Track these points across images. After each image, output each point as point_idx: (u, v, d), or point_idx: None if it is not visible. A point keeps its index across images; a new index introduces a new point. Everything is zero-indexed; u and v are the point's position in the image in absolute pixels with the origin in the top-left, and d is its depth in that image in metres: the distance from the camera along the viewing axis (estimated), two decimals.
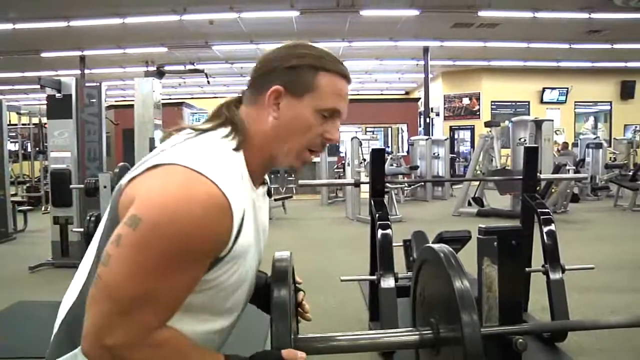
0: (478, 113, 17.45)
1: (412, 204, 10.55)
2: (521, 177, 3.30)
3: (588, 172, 10.69)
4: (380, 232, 2.86)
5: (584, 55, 14.80)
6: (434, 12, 10.75)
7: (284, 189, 10.99)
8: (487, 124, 9.93)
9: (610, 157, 12.41)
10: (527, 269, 3.03)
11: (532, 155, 3.32)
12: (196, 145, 0.97)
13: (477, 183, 9.20)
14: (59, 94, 5.24)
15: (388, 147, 16.79)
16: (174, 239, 0.84)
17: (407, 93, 22.82)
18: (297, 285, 1.26)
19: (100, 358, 0.86)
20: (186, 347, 0.93)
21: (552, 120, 9.14)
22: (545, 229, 2.97)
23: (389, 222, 2.90)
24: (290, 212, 8.70)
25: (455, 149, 17.17)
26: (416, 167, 11.38)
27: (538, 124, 8.60)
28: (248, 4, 10.13)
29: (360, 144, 9.16)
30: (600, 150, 11.14)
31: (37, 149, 10.81)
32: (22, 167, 11.34)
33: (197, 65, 13.79)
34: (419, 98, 17.44)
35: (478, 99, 17.59)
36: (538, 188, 3.99)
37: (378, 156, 3.23)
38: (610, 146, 13.43)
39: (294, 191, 10.70)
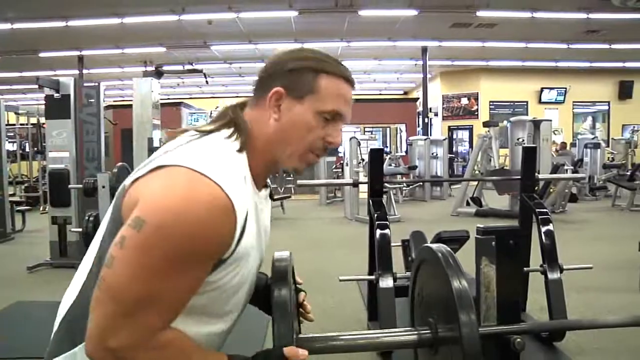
0: (476, 113, 17.46)
1: (410, 204, 10.56)
2: (519, 177, 3.31)
3: (586, 172, 10.70)
4: (378, 232, 2.86)
5: (582, 55, 14.82)
6: (433, 12, 10.76)
7: (282, 189, 10.99)
8: (485, 124, 9.93)
9: (608, 157, 12.44)
10: (525, 268, 3.03)
11: (530, 155, 3.32)
12: (200, 147, 0.97)
13: (476, 183, 9.21)
14: (57, 94, 5.24)
15: (386, 147, 16.79)
16: (177, 240, 0.84)
17: (405, 93, 22.83)
18: (297, 285, 1.26)
19: None
20: (190, 348, 0.93)
21: (551, 120, 9.16)
22: (543, 229, 2.98)
23: (387, 222, 2.91)
24: (288, 212, 8.70)
25: (454, 149, 17.18)
26: (415, 167, 11.38)
27: (536, 124, 8.61)
28: (246, 4, 10.13)
29: (359, 144, 9.17)
30: (599, 150, 11.16)
31: (36, 149, 10.81)
32: (21, 167, 11.33)
33: (195, 65, 13.78)
34: (418, 98, 17.45)
35: (476, 99, 17.60)
36: (536, 188, 3.99)
37: (376, 156, 3.23)
38: (608, 146, 13.46)
39: (293, 191, 10.70)
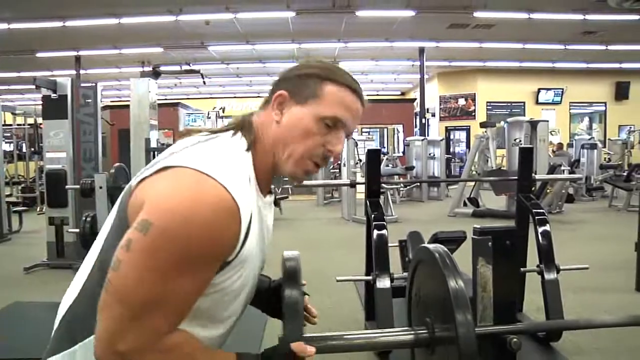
0: (473, 114, 17.48)
1: (407, 205, 10.57)
2: (516, 177, 3.32)
3: (583, 172, 10.73)
4: (375, 232, 2.87)
5: (579, 56, 14.86)
6: (430, 13, 10.76)
7: (280, 189, 10.98)
8: (482, 125, 9.95)
9: (605, 158, 12.46)
10: (522, 269, 3.04)
11: (527, 155, 3.33)
12: (206, 148, 0.97)
13: (473, 183, 9.23)
14: (55, 94, 5.23)
15: (384, 147, 16.81)
16: (184, 243, 0.84)
17: (402, 94, 22.84)
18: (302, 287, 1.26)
19: None
20: (198, 349, 0.94)
21: (547, 121, 9.19)
22: (540, 229, 2.99)
23: (384, 223, 2.91)
24: (286, 212, 8.70)
25: (451, 150, 17.20)
26: (412, 168, 11.39)
27: (533, 124, 8.63)
28: (244, 5, 10.12)
29: (356, 145, 9.17)
30: (595, 150, 11.18)
31: (32, 149, 10.78)
32: (17, 168, 11.31)
33: (193, 65, 13.76)
34: (415, 99, 17.46)
35: (474, 100, 17.62)
36: (533, 188, 4.00)
37: (374, 157, 3.24)
38: (604, 147, 13.48)
39: (290, 191, 10.70)
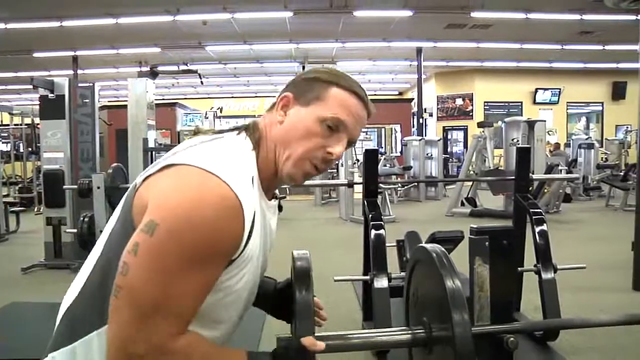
0: (471, 113, 17.50)
1: (405, 205, 10.58)
2: (514, 177, 3.32)
3: (580, 172, 10.75)
4: (373, 232, 2.87)
5: (576, 56, 14.89)
6: (427, 13, 10.77)
7: (277, 189, 10.98)
8: (480, 125, 9.97)
9: (602, 158, 12.49)
10: (519, 268, 3.05)
11: (524, 155, 3.34)
12: (210, 147, 0.98)
13: (470, 183, 9.23)
14: (52, 95, 5.23)
15: (381, 147, 16.80)
16: (190, 241, 0.85)
17: (400, 93, 22.86)
18: None
19: None
20: (210, 350, 0.94)
21: (545, 121, 9.21)
22: (537, 229, 2.99)
23: (382, 223, 2.91)
24: (283, 212, 8.67)
25: (449, 150, 17.22)
26: (409, 168, 11.40)
27: (531, 124, 8.65)
28: (241, 5, 10.12)
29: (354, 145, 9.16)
30: (592, 150, 11.20)
31: (30, 149, 10.76)
32: (15, 168, 11.28)
33: (190, 65, 13.77)
34: (412, 98, 17.47)
35: (471, 100, 17.65)
36: (530, 188, 4.01)
37: (371, 157, 3.24)
38: (602, 146, 13.52)
39: (288, 191, 10.70)
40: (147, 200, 0.90)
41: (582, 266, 3.14)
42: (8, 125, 11.76)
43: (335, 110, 1.01)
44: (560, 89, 17.59)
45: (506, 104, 17.49)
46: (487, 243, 1.39)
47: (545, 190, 8.32)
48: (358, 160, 8.75)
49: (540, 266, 2.91)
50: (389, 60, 15.89)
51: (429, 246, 1.23)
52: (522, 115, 15.22)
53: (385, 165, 10.85)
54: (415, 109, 16.12)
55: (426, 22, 11.53)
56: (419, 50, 14.18)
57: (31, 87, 5.37)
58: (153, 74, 11.48)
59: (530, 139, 8.45)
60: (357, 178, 7.92)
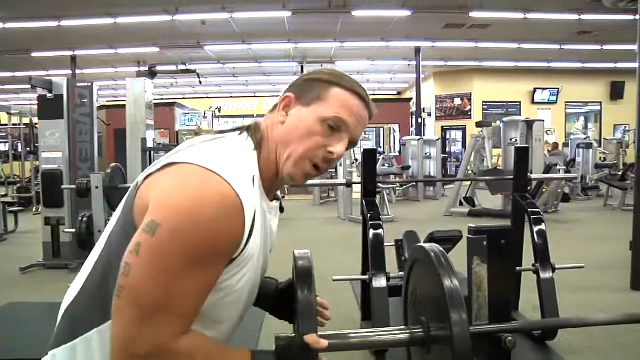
0: (470, 113, 17.51)
1: (404, 204, 10.58)
2: (512, 177, 3.33)
3: (578, 172, 10.76)
4: (372, 232, 2.87)
5: (574, 56, 14.91)
6: (426, 13, 10.78)
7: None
8: (478, 124, 9.97)
9: (600, 157, 12.51)
10: (517, 268, 3.05)
11: (522, 155, 3.34)
12: (212, 146, 0.98)
13: (469, 183, 9.24)
14: (50, 94, 5.22)
15: (380, 147, 16.82)
16: (192, 241, 0.85)
17: (399, 93, 22.87)
18: None
19: None
20: (213, 350, 0.94)
21: (543, 121, 9.21)
22: (535, 229, 3.00)
23: (380, 222, 2.92)
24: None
25: (447, 149, 17.22)
26: (408, 167, 11.41)
27: (529, 124, 8.65)
28: (240, 4, 10.12)
29: None
30: (591, 150, 11.22)
31: (28, 149, 10.75)
32: (13, 168, 11.26)
33: (189, 65, 13.76)
34: (411, 98, 17.48)
35: (470, 100, 17.66)
36: (529, 188, 4.02)
37: (370, 156, 3.24)
38: (600, 146, 13.53)
39: (286, 191, 10.70)
40: (148, 199, 0.91)
41: (581, 266, 3.14)
42: (6, 125, 11.74)
43: (337, 110, 1.01)
44: (558, 88, 17.61)
45: (505, 104, 17.50)
46: (485, 243, 1.39)
47: (544, 190, 8.33)
48: (357, 160, 8.76)
49: (538, 266, 2.91)
50: (387, 60, 15.90)
51: (427, 246, 1.23)
52: (520, 115, 15.23)
53: (383, 165, 10.86)
54: (413, 109, 16.12)
55: (425, 22, 11.54)
56: (418, 50, 14.19)
57: (29, 86, 5.36)
58: (152, 74, 11.48)
59: (529, 138, 8.46)
60: (356, 178, 7.92)
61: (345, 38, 12.94)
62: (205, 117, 14.14)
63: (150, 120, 5.78)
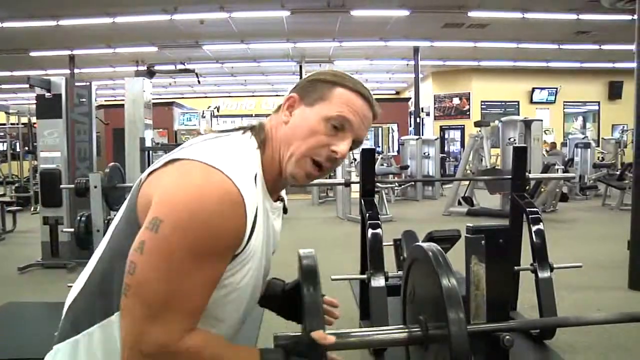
0: (468, 113, 17.53)
1: (402, 204, 10.59)
2: (510, 176, 3.33)
3: (577, 171, 10.78)
4: (370, 231, 2.87)
5: (572, 55, 14.93)
6: (425, 13, 10.78)
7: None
8: (477, 124, 9.98)
9: (599, 157, 12.53)
10: (515, 267, 3.05)
11: (521, 155, 3.35)
12: (214, 144, 0.99)
13: (467, 182, 9.25)
14: (49, 94, 5.21)
15: (378, 146, 16.82)
16: (195, 237, 0.86)
17: (397, 93, 22.87)
18: None
19: None
20: (221, 347, 0.95)
21: (542, 120, 9.22)
22: (533, 228, 3.00)
23: (379, 222, 2.91)
24: None
25: (446, 149, 17.23)
26: (406, 167, 11.41)
27: (527, 123, 8.66)
28: (239, 4, 10.11)
29: None
30: (589, 149, 11.24)
31: (26, 148, 10.74)
32: (11, 167, 11.25)
33: (187, 64, 13.72)
34: (410, 98, 17.48)
35: (468, 99, 17.67)
36: (527, 187, 4.02)
37: (368, 156, 3.24)
38: (598, 146, 13.56)
39: (285, 191, 10.68)
40: (150, 197, 0.91)
41: (579, 265, 3.15)
42: (5, 124, 11.74)
43: (340, 109, 1.02)
44: (557, 88, 17.63)
45: (503, 104, 17.52)
46: (483, 242, 1.40)
47: (542, 190, 8.34)
48: (355, 160, 8.76)
49: (536, 265, 2.92)
50: (386, 59, 15.90)
51: (425, 245, 1.24)
52: (519, 114, 15.25)
53: (382, 165, 10.86)
54: (412, 108, 16.13)
55: (423, 22, 11.55)
56: (416, 50, 14.19)
57: (28, 86, 5.35)
58: (150, 73, 11.44)
59: (527, 138, 8.47)
60: (354, 177, 7.93)
61: (344, 38, 12.94)
62: (204, 117, 14.14)
63: (149, 120, 5.78)
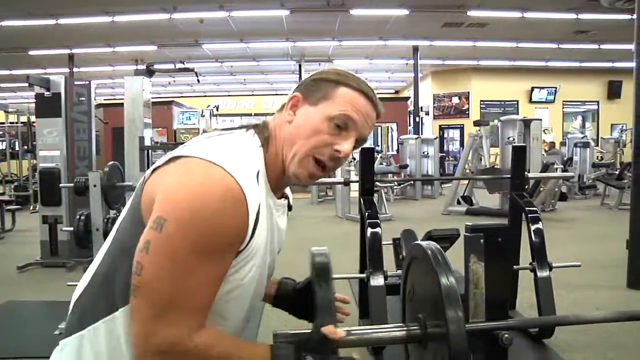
0: (467, 112, 17.54)
1: (401, 203, 10.59)
2: (509, 175, 3.33)
3: (576, 171, 10.79)
4: (369, 230, 2.87)
5: (572, 55, 14.95)
6: (424, 12, 10.80)
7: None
8: (476, 123, 9.98)
9: (598, 156, 12.54)
10: (514, 266, 3.05)
11: (520, 154, 3.35)
12: (217, 141, 1.00)
13: (467, 182, 9.25)
14: (48, 93, 5.20)
15: (378, 146, 16.83)
16: (198, 234, 0.86)
17: (396, 92, 22.87)
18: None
19: None
20: (231, 344, 0.95)
21: (541, 120, 9.23)
22: (532, 227, 3.00)
23: (378, 221, 2.91)
24: None
25: (445, 148, 17.24)
26: (406, 166, 11.41)
27: (527, 123, 8.67)
28: (238, 3, 10.11)
29: None
30: (588, 149, 11.25)
31: (25, 147, 10.73)
32: (10, 166, 11.24)
33: (187, 63, 13.71)
34: (409, 97, 17.49)
35: (467, 98, 17.67)
36: (526, 187, 4.02)
37: (367, 155, 3.24)
38: (597, 145, 13.57)
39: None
40: (154, 194, 0.92)
41: (577, 264, 3.16)
42: (3, 123, 11.73)
43: (343, 108, 1.02)
44: (556, 87, 17.64)
45: (502, 103, 17.53)
46: (482, 241, 1.40)
47: (541, 189, 8.35)
48: (354, 159, 8.76)
49: (535, 264, 2.92)
50: (385, 58, 15.91)
51: (424, 244, 1.24)
52: (518, 113, 15.27)
53: (381, 164, 10.86)
54: (411, 108, 16.13)
55: (422, 21, 11.55)
56: (415, 49, 14.20)
57: (27, 85, 5.34)
58: (149, 72, 11.43)
59: (526, 137, 8.47)
60: (354, 176, 7.94)
61: (343, 37, 12.95)
62: (203, 116, 14.13)
63: (148, 119, 5.77)
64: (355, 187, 3.55)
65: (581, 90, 17.69)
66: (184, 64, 13.64)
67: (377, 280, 2.73)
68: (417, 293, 1.29)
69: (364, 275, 2.84)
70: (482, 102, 17.51)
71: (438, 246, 1.22)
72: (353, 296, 3.82)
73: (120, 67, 15.06)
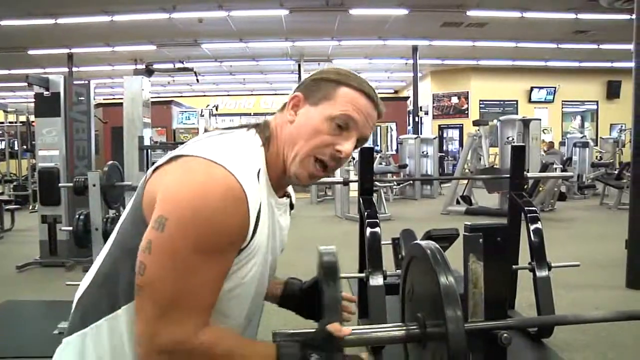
0: (467, 112, 17.54)
1: (401, 203, 10.59)
2: (509, 175, 3.33)
3: (575, 170, 10.79)
4: (369, 230, 2.87)
5: (571, 55, 14.95)
6: (423, 12, 10.80)
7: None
8: (475, 123, 9.98)
9: (597, 156, 12.55)
10: (514, 266, 3.06)
11: (519, 154, 3.35)
12: (218, 140, 1.00)
13: (466, 181, 9.26)
14: (47, 92, 5.20)
15: (377, 145, 16.83)
16: (199, 234, 0.87)
17: (396, 92, 22.87)
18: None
19: None
20: (235, 342, 0.95)
21: (540, 119, 9.23)
22: (531, 227, 3.00)
23: (377, 221, 2.91)
24: None
25: (444, 148, 17.24)
26: (405, 166, 11.41)
27: (526, 122, 8.67)
28: (237, 3, 10.11)
29: None
30: (587, 149, 11.25)
31: (25, 147, 10.72)
32: (9, 166, 11.24)
33: (186, 63, 13.70)
34: (408, 97, 17.49)
35: (467, 98, 17.68)
36: (526, 186, 4.03)
37: (367, 155, 3.24)
38: (596, 145, 13.58)
39: None
40: (155, 194, 0.92)
41: (577, 264, 3.16)
42: (3, 123, 11.71)
43: (344, 108, 1.02)
44: (555, 87, 17.65)
45: (501, 103, 17.54)
46: (481, 240, 1.40)
47: (540, 189, 8.35)
48: (354, 159, 8.76)
49: (534, 264, 2.92)
50: (384, 58, 15.91)
51: (423, 243, 1.24)
52: (517, 113, 15.28)
53: (380, 164, 10.87)
54: (410, 107, 16.13)
55: (422, 21, 11.55)
56: (415, 49, 14.20)
57: (26, 84, 5.34)
58: (149, 72, 11.42)
59: (526, 137, 8.48)
60: (353, 176, 7.94)
61: (343, 36, 12.95)
62: (203, 115, 14.13)
63: (147, 118, 5.76)
64: (354, 186, 3.56)
65: (580, 90, 17.70)
66: (183, 63, 13.63)
67: (377, 280, 2.73)
68: (416, 293, 1.29)
69: (363, 274, 2.84)
70: (481, 102, 17.52)
71: (437, 246, 1.22)
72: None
73: (120, 67, 15.05)
